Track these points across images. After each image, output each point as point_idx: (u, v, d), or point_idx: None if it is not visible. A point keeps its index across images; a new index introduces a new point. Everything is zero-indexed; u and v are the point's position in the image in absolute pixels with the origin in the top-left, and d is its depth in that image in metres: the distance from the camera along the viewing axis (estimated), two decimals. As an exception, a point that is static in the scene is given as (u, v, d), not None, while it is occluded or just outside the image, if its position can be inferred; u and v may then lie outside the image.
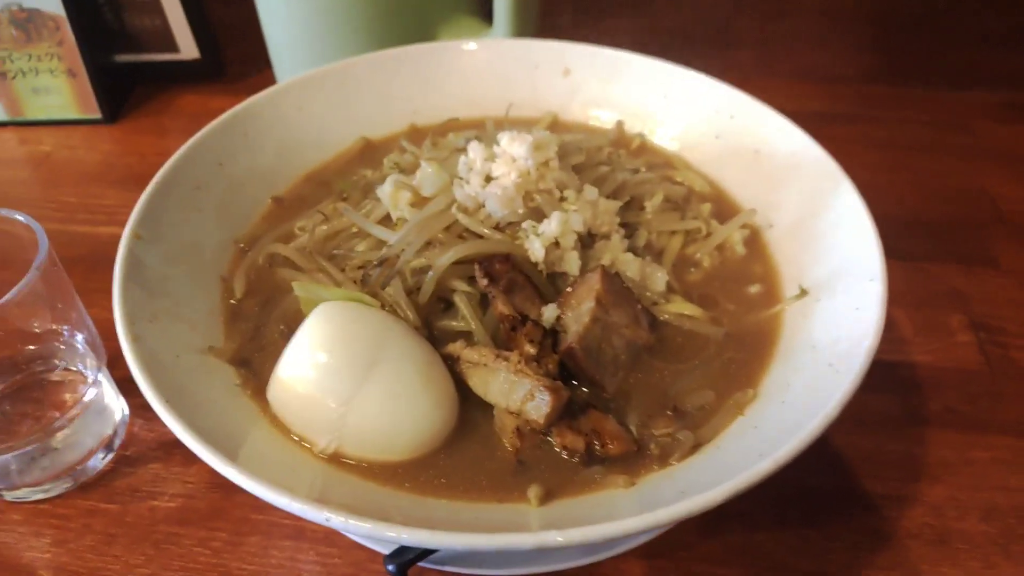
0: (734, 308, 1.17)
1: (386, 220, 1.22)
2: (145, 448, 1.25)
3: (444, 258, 1.07)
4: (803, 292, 1.14)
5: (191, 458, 1.20)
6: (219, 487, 1.18)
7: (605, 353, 1.02)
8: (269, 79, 1.97)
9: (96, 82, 1.91)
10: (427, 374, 0.99)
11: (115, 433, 1.25)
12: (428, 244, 1.11)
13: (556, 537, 0.77)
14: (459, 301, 1.07)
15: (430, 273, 1.07)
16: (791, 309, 1.14)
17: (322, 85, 1.51)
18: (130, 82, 2.09)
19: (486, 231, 1.12)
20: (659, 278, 1.15)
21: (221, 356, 1.11)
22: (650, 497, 0.91)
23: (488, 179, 1.17)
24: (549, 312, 1.04)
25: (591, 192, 1.18)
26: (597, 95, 1.57)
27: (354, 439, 0.96)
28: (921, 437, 1.22)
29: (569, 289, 1.08)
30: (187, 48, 2.03)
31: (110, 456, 1.24)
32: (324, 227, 1.25)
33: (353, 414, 0.94)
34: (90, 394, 1.20)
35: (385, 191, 1.20)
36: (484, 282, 1.03)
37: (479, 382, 1.00)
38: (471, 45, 1.58)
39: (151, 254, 1.16)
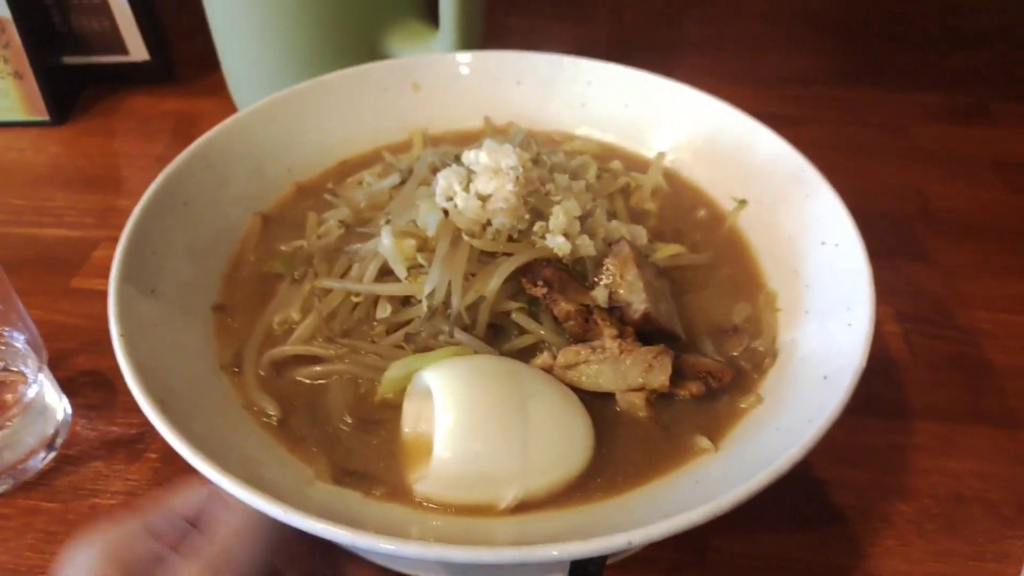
0: (700, 236, 1.32)
1: (382, 275, 1.15)
2: (87, 447, 1.26)
3: (492, 284, 1.05)
4: (742, 202, 1.33)
5: (133, 456, 1.24)
6: (160, 484, 1.19)
7: (662, 307, 1.12)
8: (220, 81, 1.97)
9: (43, 84, 1.91)
10: (559, 388, 1.01)
11: (57, 433, 1.25)
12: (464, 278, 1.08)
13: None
14: (518, 318, 1.08)
15: (482, 304, 1.06)
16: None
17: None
18: (79, 84, 2.08)
19: (512, 246, 1.10)
20: (641, 232, 1.24)
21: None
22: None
23: (481, 197, 1.13)
24: (601, 294, 1.09)
25: (563, 179, 1.21)
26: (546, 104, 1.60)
27: (539, 479, 0.93)
28: (846, 424, 1.26)
29: (608, 267, 1.12)
30: (136, 50, 2.02)
31: (52, 455, 1.24)
32: (313, 313, 1.14)
33: (533, 457, 0.92)
34: (31, 394, 1.20)
35: (387, 245, 1.11)
36: (543, 290, 1.06)
37: (590, 379, 1.03)
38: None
39: (140, 300, 1.12)
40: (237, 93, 1.94)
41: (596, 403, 1.04)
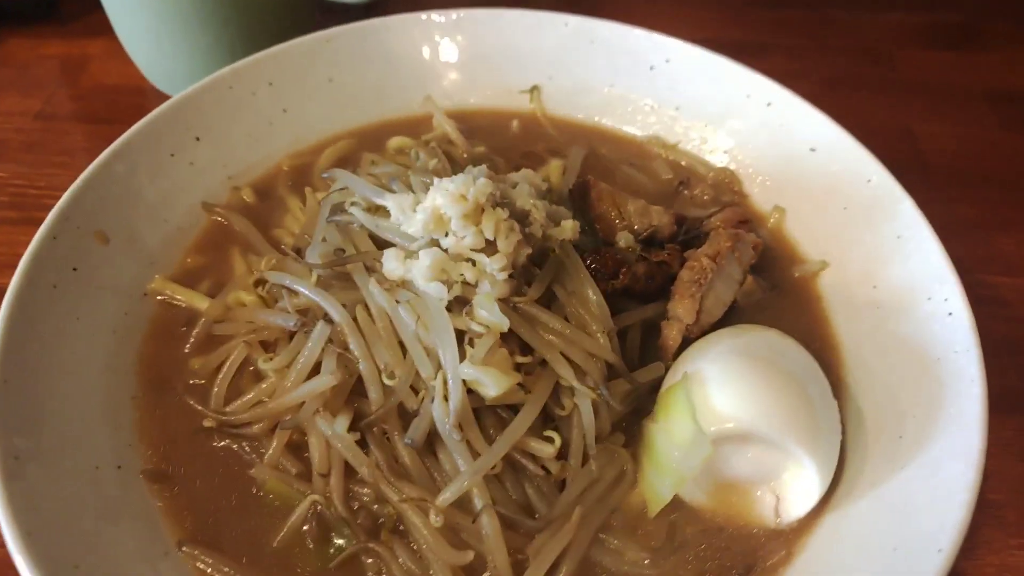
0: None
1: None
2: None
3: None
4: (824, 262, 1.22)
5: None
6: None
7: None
8: (105, 22, 1.67)
9: None
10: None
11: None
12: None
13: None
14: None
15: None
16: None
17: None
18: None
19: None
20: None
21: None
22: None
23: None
24: (625, 238, 1.16)
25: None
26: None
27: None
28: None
29: (602, 212, 1.20)
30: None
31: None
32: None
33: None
34: None
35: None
36: (623, 275, 1.10)
37: (718, 303, 1.12)
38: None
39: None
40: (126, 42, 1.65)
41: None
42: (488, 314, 0.94)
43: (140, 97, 1.65)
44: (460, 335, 0.95)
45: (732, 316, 1.13)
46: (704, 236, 1.19)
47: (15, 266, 1.03)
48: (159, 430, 1.02)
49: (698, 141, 1.37)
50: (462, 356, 0.94)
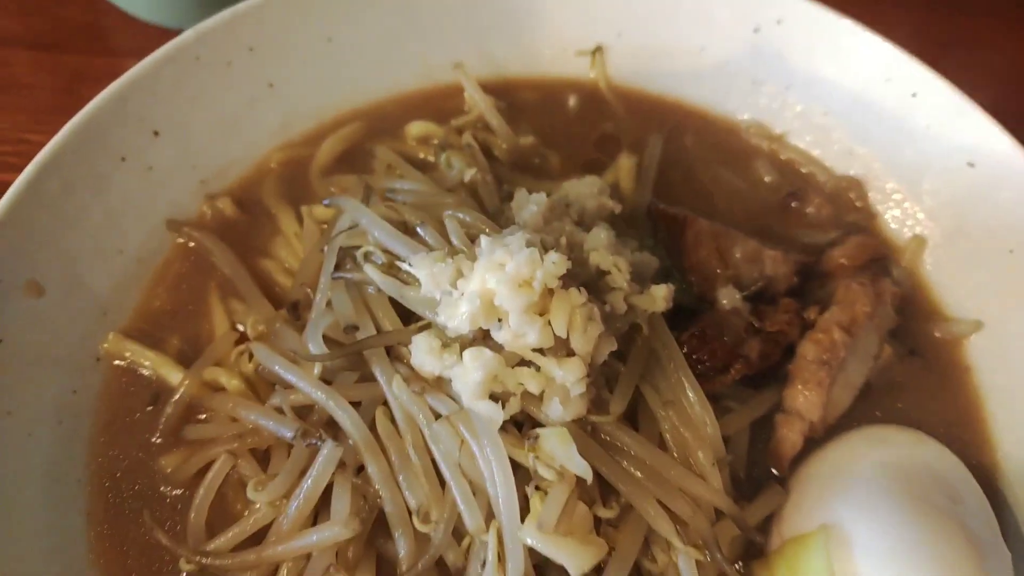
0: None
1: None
2: None
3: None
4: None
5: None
6: None
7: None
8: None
9: None
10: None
11: None
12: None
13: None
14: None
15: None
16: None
17: None
18: None
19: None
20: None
21: None
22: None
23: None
24: (729, 295, 0.89)
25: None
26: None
27: None
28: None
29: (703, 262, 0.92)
30: None
31: None
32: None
33: None
34: None
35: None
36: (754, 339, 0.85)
37: (851, 386, 0.87)
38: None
39: None
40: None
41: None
42: (563, 454, 0.69)
43: (93, 15, 1.30)
44: (515, 465, 0.70)
45: (862, 399, 0.87)
46: (823, 278, 0.91)
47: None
48: (120, 569, 0.78)
49: (815, 134, 1.05)
50: (522, 507, 0.69)
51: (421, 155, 1.03)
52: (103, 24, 1.37)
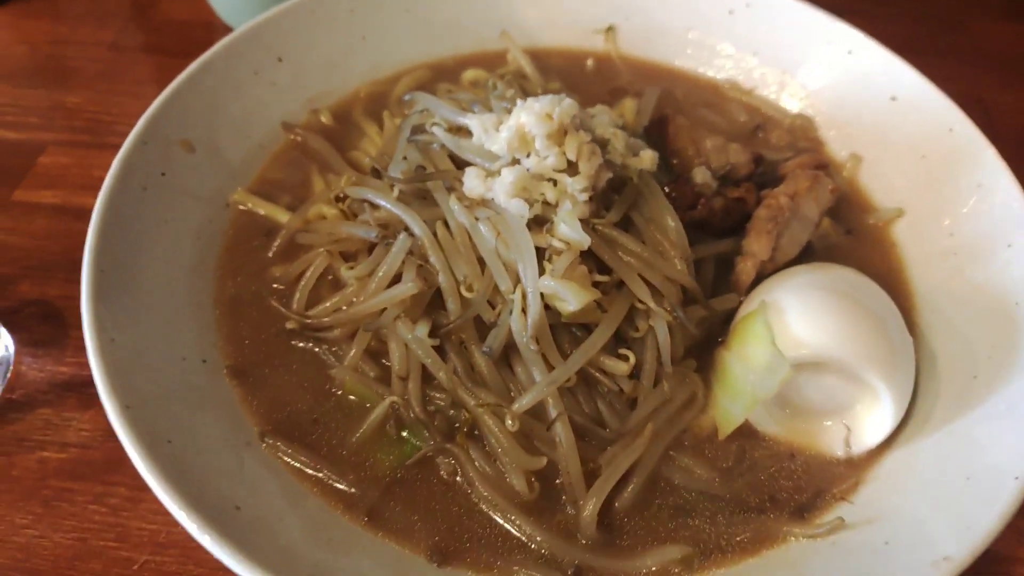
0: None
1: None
2: (34, 390, 1.09)
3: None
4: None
5: (86, 402, 1.07)
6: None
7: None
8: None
9: (-26, -46, 1.63)
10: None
11: (-3, 373, 1.08)
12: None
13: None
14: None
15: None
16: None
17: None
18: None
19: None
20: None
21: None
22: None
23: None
24: (701, 173, 1.16)
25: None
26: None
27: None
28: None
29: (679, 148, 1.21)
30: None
31: (-8, 399, 1.07)
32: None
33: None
34: (-39, 329, 1.03)
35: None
36: (718, 198, 1.12)
37: (794, 243, 1.11)
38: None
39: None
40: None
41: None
42: (570, 231, 0.95)
43: (209, 32, 1.67)
44: (539, 252, 0.96)
45: (806, 257, 1.13)
46: (780, 178, 1.19)
47: (91, 187, 1.06)
48: (242, 330, 1.05)
49: (776, 87, 1.36)
50: (541, 272, 0.95)
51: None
52: (218, 39, 1.76)
